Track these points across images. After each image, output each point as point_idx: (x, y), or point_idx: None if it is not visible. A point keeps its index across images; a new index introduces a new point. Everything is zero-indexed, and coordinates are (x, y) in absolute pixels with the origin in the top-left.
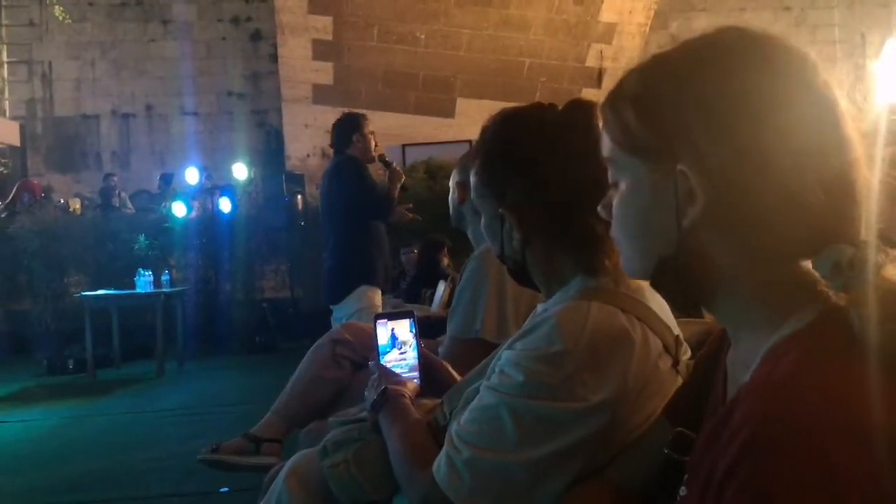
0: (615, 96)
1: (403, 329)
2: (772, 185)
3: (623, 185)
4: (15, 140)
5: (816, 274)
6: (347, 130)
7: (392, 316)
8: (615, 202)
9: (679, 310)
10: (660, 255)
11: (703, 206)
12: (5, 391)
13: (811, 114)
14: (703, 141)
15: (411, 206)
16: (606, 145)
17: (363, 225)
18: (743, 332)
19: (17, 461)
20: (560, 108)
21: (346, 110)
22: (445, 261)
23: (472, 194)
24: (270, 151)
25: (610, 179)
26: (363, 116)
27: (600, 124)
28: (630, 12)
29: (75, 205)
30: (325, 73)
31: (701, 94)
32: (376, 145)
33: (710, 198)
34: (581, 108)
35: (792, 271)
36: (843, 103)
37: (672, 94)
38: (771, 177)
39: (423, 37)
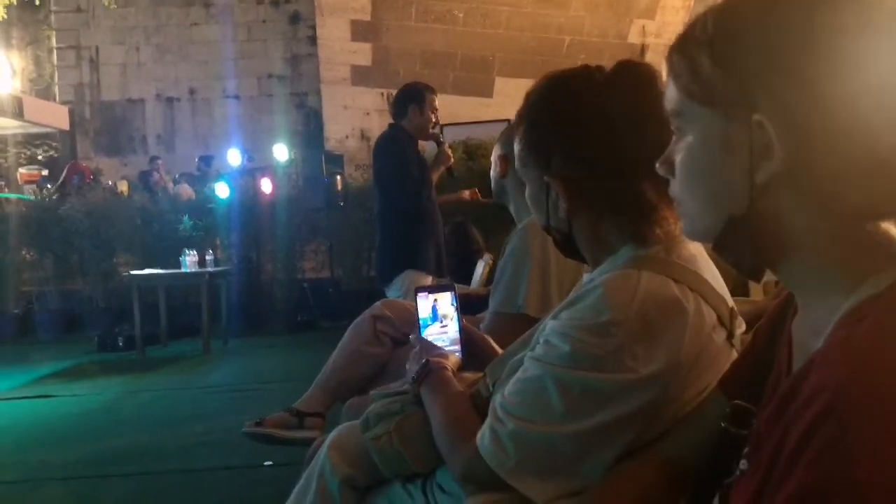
0: (685, 41)
1: (445, 302)
2: (860, 140)
3: (690, 138)
4: (65, 124)
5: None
6: (405, 100)
7: (433, 289)
8: (679, 157)
9: (744, 274)
10: (729, 214)
11: (781, 162)
12: (58, 367)
13: None
14: (785, 89)
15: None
16: (672, 96)
17: (408, 205)
18: (814, 296)
19: (68, 434)
20: (608, 70)
21: (383, 91)
22: (477, 237)
23: (517, 163)
24: (310, 133)
25: (674, 133)
26: (429, 90)
27: (665, 73)
28: None
29: (123, 187)
30: (363, 54)
31: (784, 37)
32: (436, 122)
33: (790, 152)
34: (631, 70)
35: (871, 231)
36: None
37: (752, 36)
38: (860, 130)
39: (461, 15)
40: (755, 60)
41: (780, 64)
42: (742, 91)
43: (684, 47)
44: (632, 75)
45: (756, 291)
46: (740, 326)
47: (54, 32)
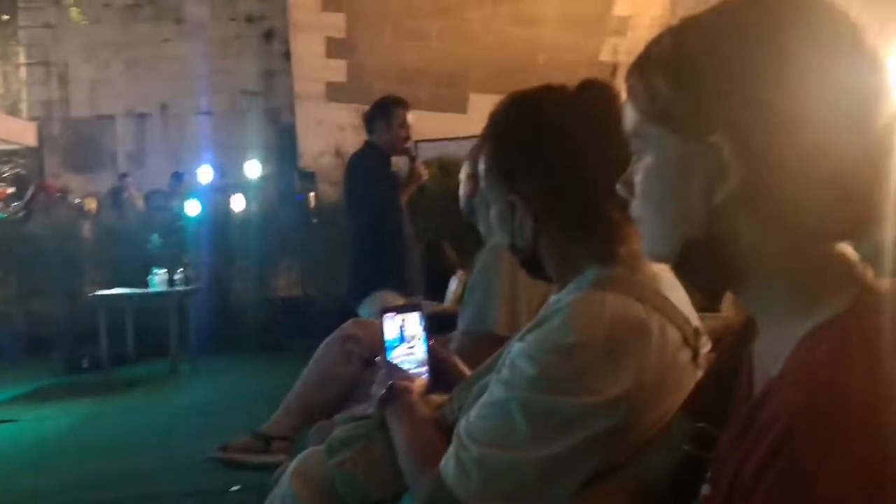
0: (643, 62)
1: (412, 323)
2: (816, 163)
3: (648, 159)
4: (32, 141)
5: (852, 256)
6: (373, 116)
7: (400, 310)
8: (638, 178)
9: (703, 296)
10: (686, 236)
11: (738, 183)
12: (22, 390)
13: (861, 83)
14: (740, 111)
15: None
16: (630, 117)
17: (378, 223)
18: (772, 318)
19: (33, 459)
20: (571, 88)
21: (359, 107)
22: (452, 255)
23: (482, 183)
24: (283, 149)
25: (633, 155)
26: (397, 104)
27: (624, 95)
28: (645, 4)
29: (91, 204)
30: (338, 70)
31: (739, 59)
32: (408, 138)
33: (746, 174)
34: (594, 89)
35: (827, 253)
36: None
37: (707, 58)
38: (815, 153)
39: (434, 32)
40: (711, 81)
41: (737, 85)
42: (698, 112)
43: (642, 68)
44: (594, 95)
45: (727, 307)
46: (705, 345)
47: (23, 48)
